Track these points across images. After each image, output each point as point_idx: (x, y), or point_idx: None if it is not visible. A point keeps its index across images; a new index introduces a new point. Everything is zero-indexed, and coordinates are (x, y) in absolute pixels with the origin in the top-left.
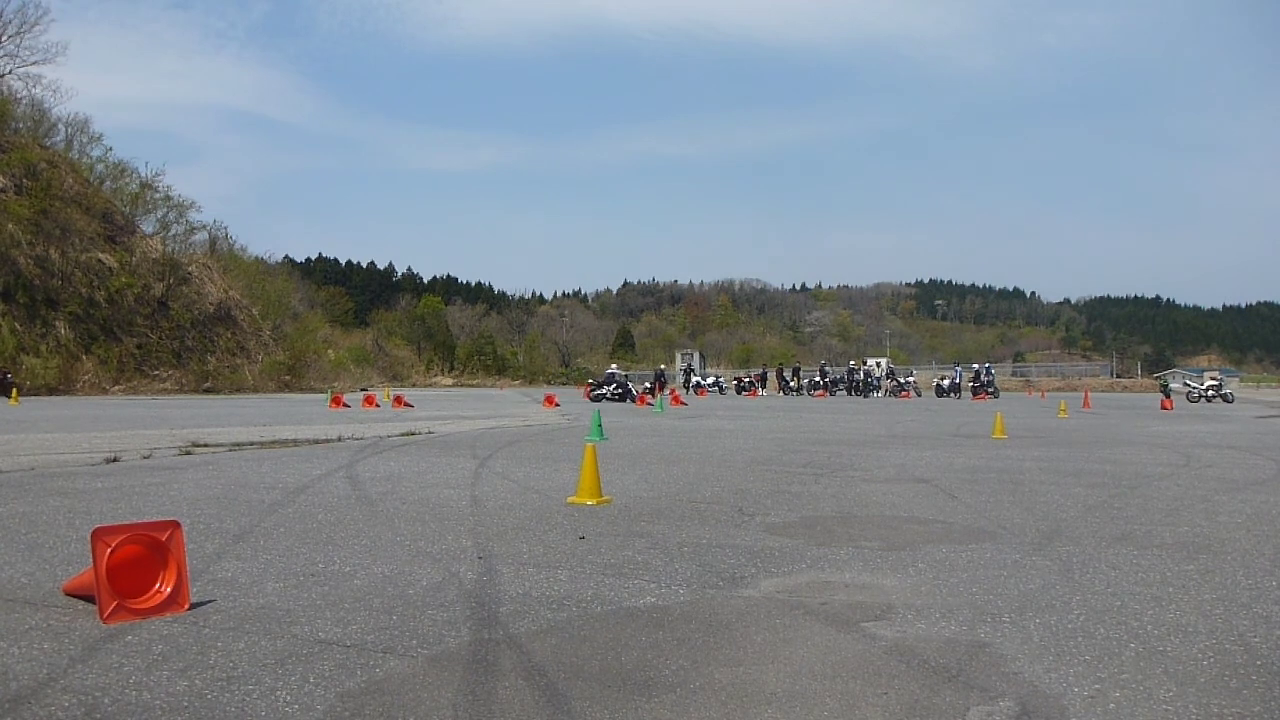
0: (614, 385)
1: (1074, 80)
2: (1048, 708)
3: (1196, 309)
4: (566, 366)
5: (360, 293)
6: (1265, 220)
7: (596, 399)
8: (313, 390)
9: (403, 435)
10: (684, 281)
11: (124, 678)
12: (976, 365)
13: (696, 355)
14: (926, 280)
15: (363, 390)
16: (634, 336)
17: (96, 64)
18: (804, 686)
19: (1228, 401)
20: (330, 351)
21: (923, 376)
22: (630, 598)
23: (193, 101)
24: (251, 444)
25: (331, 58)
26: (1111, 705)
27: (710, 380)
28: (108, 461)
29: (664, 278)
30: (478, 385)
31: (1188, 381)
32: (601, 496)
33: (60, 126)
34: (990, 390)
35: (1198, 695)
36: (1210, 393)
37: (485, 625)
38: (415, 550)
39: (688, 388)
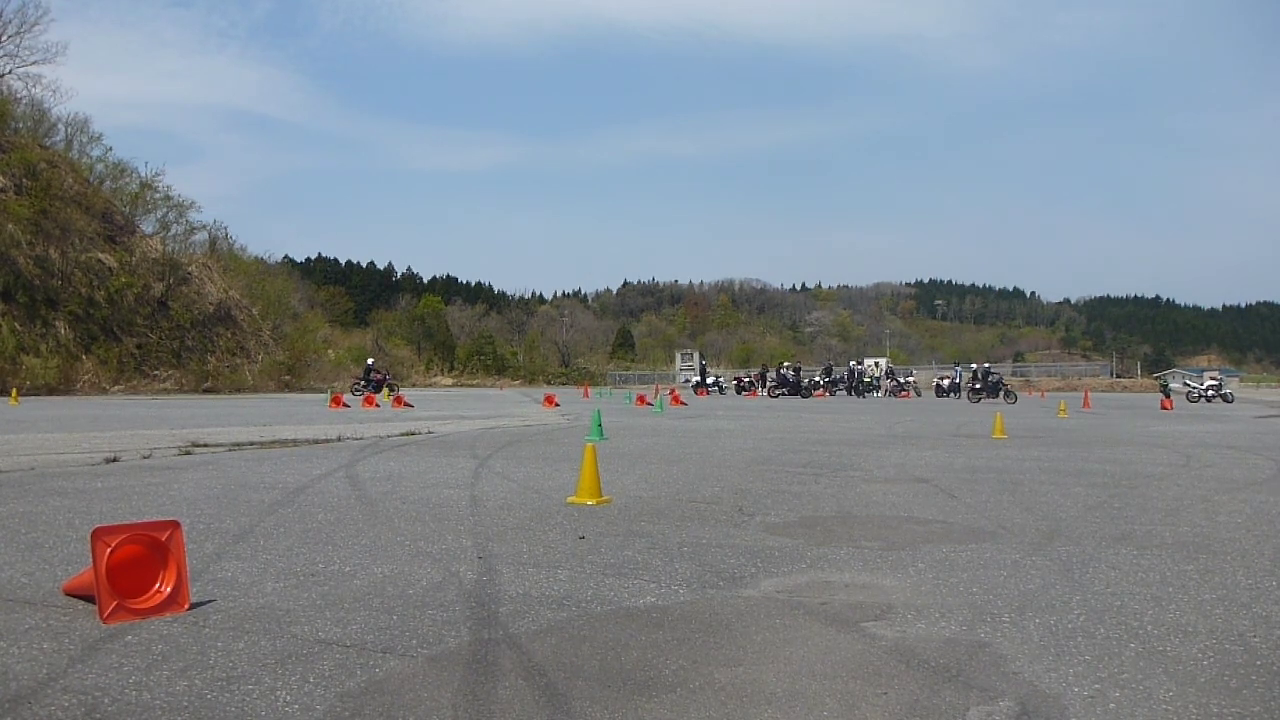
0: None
1: (1075, 80)
2: (1048, 708)
3: (1196, 309)
4: (566, 366)
5: (360, 293)
6: (1265, 220)
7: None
8: (313, 390)
9: (402, 435)
10: (684, 281)
11: (124, 678)
12: (976, 365)
13: (696, 355)
14: (926, 280)
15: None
16: (634, 336)
17: (97, 63)
18: (804, 686)
19: (1227, 401)
20: (330, 351)
21: (923, 376)
22: (630, 598)
23: (193, 101)
24: (251, 444)
25: (333, 57)
26: (1111, 705)
27: (710, 380)
28: (108, 461)
29: (664, 278)
30: (478, 385)
31: (1187, 381)
32: (601, 496)
33: (60, 126)
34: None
35: (1198, 695)
36: (1210, 393)
37: (485, 625)
38: (415, 550)
39: (706, 387)
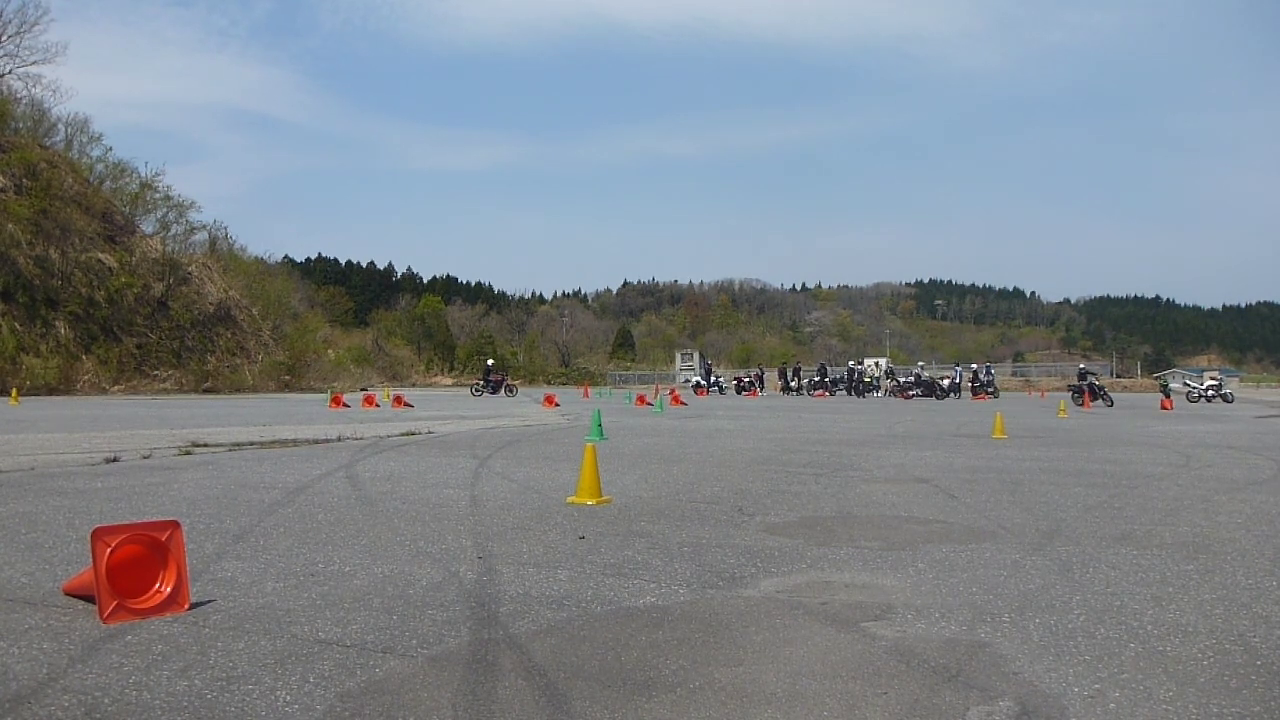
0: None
1: (1075, 80)
2: (1048, 708)
3: (1196, 309)
4: (566, 366)
5: (360, 293)
6: (1265, 220)
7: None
8: (313, 390)
9: (402, 435)
10: (684, 281)
11: (124, 678)
12: (975, 365)
13: (697, 355)
14: (926, 280)
15: (362, 390)
16: (634, 336)
17: (97, 62)
18: (804, 686)
19: (1227, 401)
20: (330, 351)
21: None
22: (630, 598)
23: (194, 100)
24: (251, 444)
25: (334, 57)
26: (1111, 705)
27: (711, 380)
28: (108, 461)
29: (664, 278)
30: None
31: (1188, 381)
32: (601, 496)
33: (60, 126)
34: (990, 390)
35: (1198, 695)
36: (1210, 392)
37: (485, 625)
38: (415, 550)
39: (706, 387)
